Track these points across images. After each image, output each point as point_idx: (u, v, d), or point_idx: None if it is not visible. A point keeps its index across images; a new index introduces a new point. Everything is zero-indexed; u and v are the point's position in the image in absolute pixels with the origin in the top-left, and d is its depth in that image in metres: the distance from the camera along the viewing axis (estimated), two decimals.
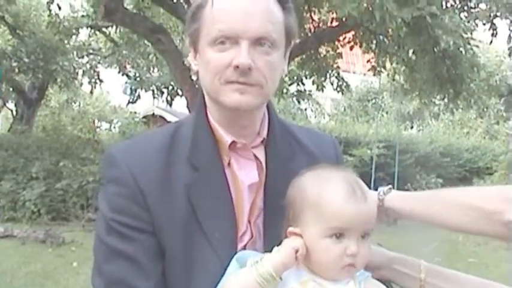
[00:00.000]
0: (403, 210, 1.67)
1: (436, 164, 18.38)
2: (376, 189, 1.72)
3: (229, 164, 1.65)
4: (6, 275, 8.25)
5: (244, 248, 1.61)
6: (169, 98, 17.86)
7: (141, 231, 1.56)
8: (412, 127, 29.69)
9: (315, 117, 30.12)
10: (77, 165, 12.90)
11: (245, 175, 1.65)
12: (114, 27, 15.80)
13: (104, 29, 17.38)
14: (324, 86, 13.59)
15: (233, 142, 1.65)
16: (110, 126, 25.24)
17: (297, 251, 1.41)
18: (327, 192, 1.47)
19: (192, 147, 1.64)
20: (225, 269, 1.52)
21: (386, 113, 28.47)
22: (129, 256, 1.55)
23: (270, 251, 1.47)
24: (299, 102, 15.71)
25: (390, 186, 1.73)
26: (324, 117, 30.65)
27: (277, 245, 1.47)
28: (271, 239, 1.58)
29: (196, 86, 9.48)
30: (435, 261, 1.68)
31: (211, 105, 1.66)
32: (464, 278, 1.68)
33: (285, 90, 13.59)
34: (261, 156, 1.68)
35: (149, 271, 1.56)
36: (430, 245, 11.12)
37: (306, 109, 28.88)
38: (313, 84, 13.64)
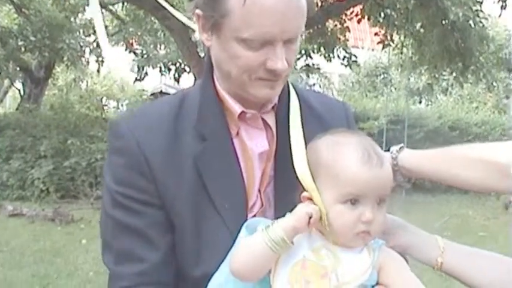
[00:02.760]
0: (417, 168, 1.65)
1: (444, 138, 18.20)
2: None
3: (237, 133, 1.60)
4: (15, 252, 8.31)
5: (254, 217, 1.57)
6: (176, 75, 17.81)
7: (147, 204, 1.53)
8: (420, 102, 29.53)
9: (323, 92, 30.03)
10: (85, 143, 12.94)
11: (255, 144, 1.61)
12: (121, 4, 15.71)
13: (110, 7, 17.29)
14: (332, 58, 13.52)
15: (242, 112, 1.59)
16: (118, 104, 25.21)
17: (310, 217, 1.36)
18: (342, 157, 1.41)
19: (199, 116, 1.58)
20: (235, 240, 1.48)
21: (395, 88, 28.32)
22: (136, 230, 1.53)
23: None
24: (308, 76, 15.63)
25: (402, 145, 1.70)
26: (332, 93, 30.59)
27: (290, 211, 1.42)
28: (281, 207, 1.52)
29: (204, 59, 9.40)
30: (444, 235, 1.65)
31: (221, 76, 1.60)
32: (478, 252, 1.64)
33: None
34: (272, 122, 1.64)
35: (157, 243, 1.53)
36: (440, 220, 11.12)
37: (314, 84, 28.80)
38: (320, 55, 13.56)
